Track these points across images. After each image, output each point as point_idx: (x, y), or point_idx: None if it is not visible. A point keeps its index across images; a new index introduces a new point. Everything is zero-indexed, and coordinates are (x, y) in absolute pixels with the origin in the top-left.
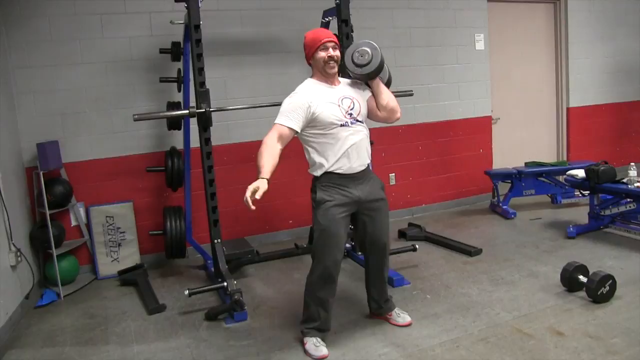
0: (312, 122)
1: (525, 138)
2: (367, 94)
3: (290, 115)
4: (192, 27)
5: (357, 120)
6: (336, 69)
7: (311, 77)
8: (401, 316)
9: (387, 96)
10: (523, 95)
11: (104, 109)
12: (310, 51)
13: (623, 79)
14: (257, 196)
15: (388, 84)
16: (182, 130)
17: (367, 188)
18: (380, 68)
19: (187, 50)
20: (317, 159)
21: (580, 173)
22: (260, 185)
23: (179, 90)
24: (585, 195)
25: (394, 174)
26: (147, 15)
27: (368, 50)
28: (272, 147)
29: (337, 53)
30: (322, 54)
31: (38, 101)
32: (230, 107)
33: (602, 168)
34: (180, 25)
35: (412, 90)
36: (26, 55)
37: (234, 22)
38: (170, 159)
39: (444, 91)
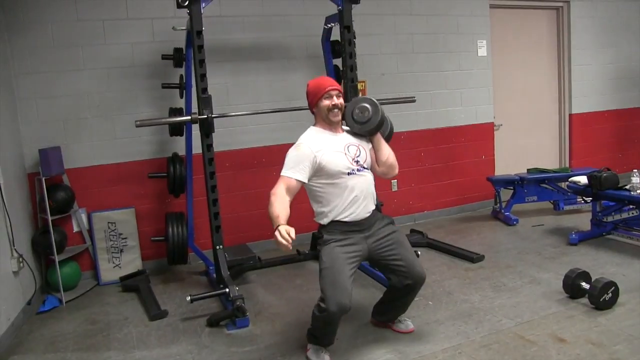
0: (318, 172)
1: (527, 144)
2: (370, 144)
3: (297, 167)
4: (194, 33)
5: (364, 167)
6: (340, 117)
7: (314, 125)
8: (404, 323)
9: (387, 151)
10: (525, 101)
11: (106, 115)
12: (314, 99)
13: (625, 85)
14: (293, 236)
15: (389, 136)
16: (184, 137)
17: (373, 232)
18: (380, 125)
19: (189, 56)
20: (324, 208)
21: (583, 180)
22: (288, 228)
23: (181, 97)
24: (588, 202)
25: (396, 180)
26: (150, 21)
27: (368, 107)
28: (282, 197)
29: (341, 101)
30: (326, 102)
31: (40, 107)
32: (233, 114)
33: (604, 175)
34: (183, 31)
35: (414, 97)
36: (29, 62)
37: (236, 28)
38: (173, 165)
39: (446, 97)
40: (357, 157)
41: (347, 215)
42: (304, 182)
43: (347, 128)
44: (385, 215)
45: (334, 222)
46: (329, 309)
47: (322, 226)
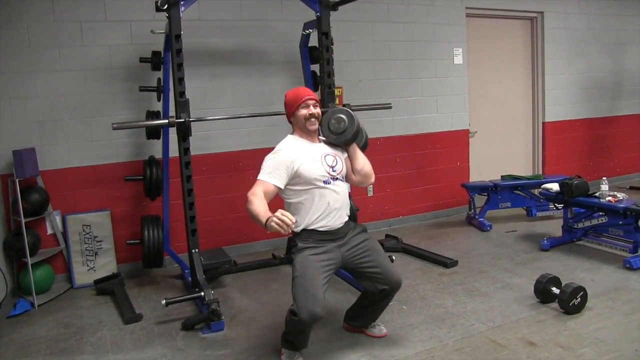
0: (294, 178)
1: (501, 151)
2: (345, 154)
3: (274, 172)
4: (173, 37)
5: (339, 178)
6: (317, 126)
7: (292, 133)
8: (377, 327)
9: (363, 161)
10: (500, 109)
11: (82, 117)
12: (291, 109)
13: (596, 95)
14: (291, 217)
15: (365, 146)
16: (161, 140)
17: (347, 241)
18: (355, 135)
19: (167, 60)
20: (298, 216)
21: (555, 187)
22: (283, 212)
23: (159, 100)
24: (559, 209)
25: (371, 186)
26: (128, 23)
27: (344, 117)
28: (261, 197)
29: (318, 110)
30: (303, 112)
31: (15, 108)
32: (210, 118)
33: (575, 182)
34: (161, 34)
35: (390, 103)
36: (3, 62)
37: (214, 33)
38: (149, 168)
39: (422, 104)
40: (334, 166)
41: (319, 225)
42: (281, 188)
43: (324, 138)
44: (357, 224)
45: (307, 231)
46: (301, 317)
47: (295, 234)
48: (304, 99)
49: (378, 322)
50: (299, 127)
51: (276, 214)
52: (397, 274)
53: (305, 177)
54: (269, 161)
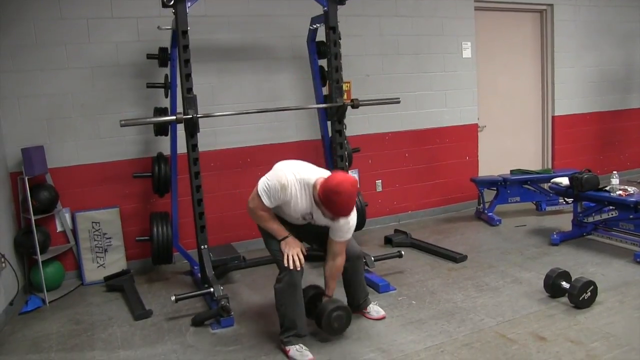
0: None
1: (511, 146)
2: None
3: (273, 201)
4: (179, 33)
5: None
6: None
7: (314, 188)
8: (375, 309)
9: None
10: (509, 103)
11: (90, 115)
12: (327, 205)
13: (607, 88)
14: (302, 261)
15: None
16: (169, 136)
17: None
18: None
19: (174, 56)
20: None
21: (565, 181)
22: (298, 244)
23: (166, 96)
24: (569, 203)
25: (380, 180)
26: (134, 20)
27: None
28: (268, 211)
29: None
30: (329, 216)
31: (23, 106)
32: (218, 114)
33: (585, 176)
34: (168, 30)
35: (399, 98)
36: (11, 60)
37: (221, 28)
38: (157, 165)
39: (430, 99)
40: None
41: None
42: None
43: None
44: None
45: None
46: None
47: None
48: (338, 217)
49: (375, 305)
50: (317, 204)
51: (293, 250)
52: (355, 248)
53: (285, 210)
54: (274, 188)
